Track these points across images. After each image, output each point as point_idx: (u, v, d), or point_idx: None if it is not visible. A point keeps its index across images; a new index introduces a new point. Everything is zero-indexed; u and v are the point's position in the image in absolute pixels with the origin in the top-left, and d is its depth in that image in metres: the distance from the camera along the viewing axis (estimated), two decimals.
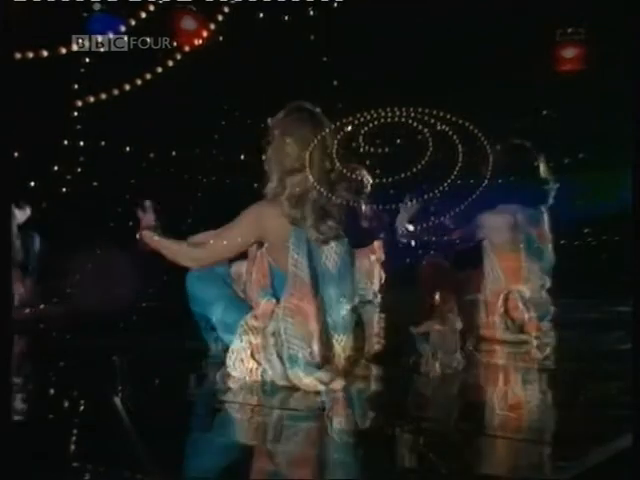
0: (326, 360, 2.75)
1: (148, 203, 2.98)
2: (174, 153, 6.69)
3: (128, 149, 6.47)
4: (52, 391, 2.90)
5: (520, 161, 3.99)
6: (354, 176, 5.31)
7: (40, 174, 5.87)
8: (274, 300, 2.77)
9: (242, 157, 6.65)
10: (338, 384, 2.71)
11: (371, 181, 5.58)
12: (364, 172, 5.59)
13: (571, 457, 1.93)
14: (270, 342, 2.74)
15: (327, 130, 2.88)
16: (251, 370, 2.80)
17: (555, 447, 2.08)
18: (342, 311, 2.79)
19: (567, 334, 3.98)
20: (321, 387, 2.68)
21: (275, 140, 2.84)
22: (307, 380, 2.67)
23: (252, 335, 2.80)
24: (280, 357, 2.72)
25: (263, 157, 2.89)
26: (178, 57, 5.84)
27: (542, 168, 4.03)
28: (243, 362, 2.80)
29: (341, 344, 2.79)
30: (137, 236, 2.94)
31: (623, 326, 3.58)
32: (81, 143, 6.19)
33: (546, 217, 4.06)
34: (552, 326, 3.99)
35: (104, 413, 2.49)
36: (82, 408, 2.65)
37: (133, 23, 5.49)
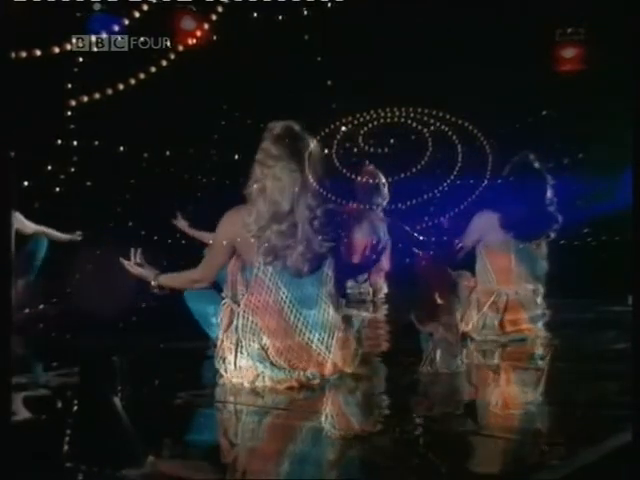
0: (297, 359, 2.77)
1: (138, 257, 3.10)
2: (168, 153, 6.68)
3: (122, 149, 6.46)
4: (52, 391, 2.90)
5: (526, 180, 3.94)
6: (368, 180, 5.29)
7: (34, 174, 5.85)
8: (232, 302, 2.85)
9: (237, 157, 6.66)
10: (293, 383, 2.73)
11: (385, 184, 5.52)
12: (377, 175, 5.55)
13: (565, 456, 1.94)
14: (230, 340, 2.80)
15: (315, 154, 2.82)
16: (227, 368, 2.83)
17: (549, 446, 2.08)
18: (319, 311, 2.80)
19: (565, 333, 3.98)
20: (268, 383, 2.73)
21: (266, 178, 2.77)
22: (258, 374, 2.74)
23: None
24: (236, 354, 2.78)
25: (252, 184, 2.80)
26: (172, 57, 5.82)
27: (549, 194, 3.96)
28: (225, 360, 2.84)
29: (320, 346, 2.79)
30: (152, 283, 3.05)
31: (622, 326, 3.59)
32: (75, 143, 6.17)
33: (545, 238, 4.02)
34: (549, 326, 3.98)
35: (104, 413, 2.49)
36: (82, 408, 2.65)
37: (133, 23, 5.48)
